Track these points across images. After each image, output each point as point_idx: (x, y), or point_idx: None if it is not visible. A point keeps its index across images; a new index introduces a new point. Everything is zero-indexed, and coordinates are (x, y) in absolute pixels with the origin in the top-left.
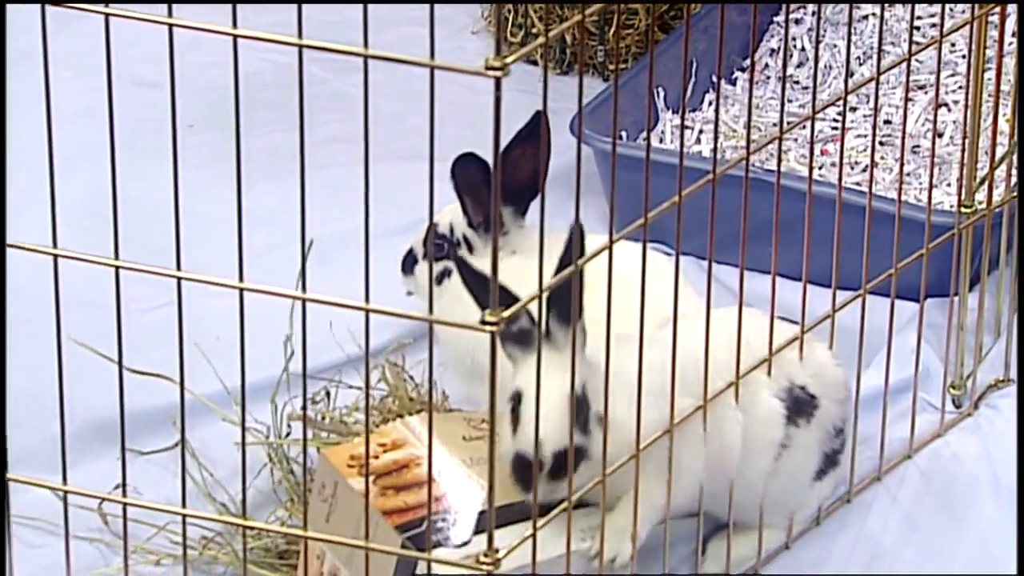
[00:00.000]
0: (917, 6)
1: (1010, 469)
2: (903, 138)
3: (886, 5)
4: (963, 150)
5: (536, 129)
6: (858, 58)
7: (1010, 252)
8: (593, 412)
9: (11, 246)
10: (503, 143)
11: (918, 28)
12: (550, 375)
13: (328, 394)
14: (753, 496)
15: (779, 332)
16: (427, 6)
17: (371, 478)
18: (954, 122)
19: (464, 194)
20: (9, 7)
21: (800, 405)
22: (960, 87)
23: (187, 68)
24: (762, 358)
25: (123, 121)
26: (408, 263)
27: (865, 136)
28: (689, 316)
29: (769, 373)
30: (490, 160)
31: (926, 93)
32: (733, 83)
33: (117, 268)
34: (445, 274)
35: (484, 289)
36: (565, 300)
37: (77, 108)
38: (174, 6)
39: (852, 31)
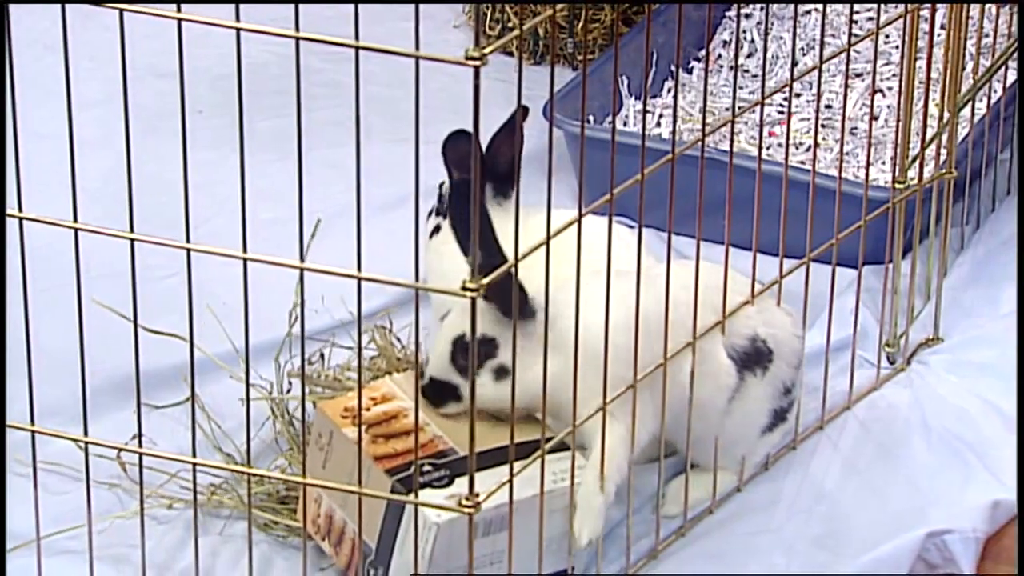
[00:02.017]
0: (855, 2)
1: (939, 417)
2: (843, 121)
3: (827, 1)
4: (897, 132)
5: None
6: (802, 49)
7: (939, 223)
8: (494, 362)
9: (35, 220)
10: (483, 128)
11: (856, 22)
12: (458, 319)
13: (323, 355)
14: (710, 434)
15: (735, 283)
16: (412, 3)
17: (363, 427)
18: (888, 107)
19: (453, 168)
20: (35, 5)
21: (758, 356)
22: (894, 75)
23: (198, 59)
24: (718, 309)
25: (139, 107)
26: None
27: (808, 119)
28: (648, 270)
29: (724, 331)
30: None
31: (863, 80)
32: (690, 72)
33: (132, 240)
34: (435, 230)
35: (467, 236)
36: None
37: (98, 95)
38: (184, 2)
39: (797, 24)
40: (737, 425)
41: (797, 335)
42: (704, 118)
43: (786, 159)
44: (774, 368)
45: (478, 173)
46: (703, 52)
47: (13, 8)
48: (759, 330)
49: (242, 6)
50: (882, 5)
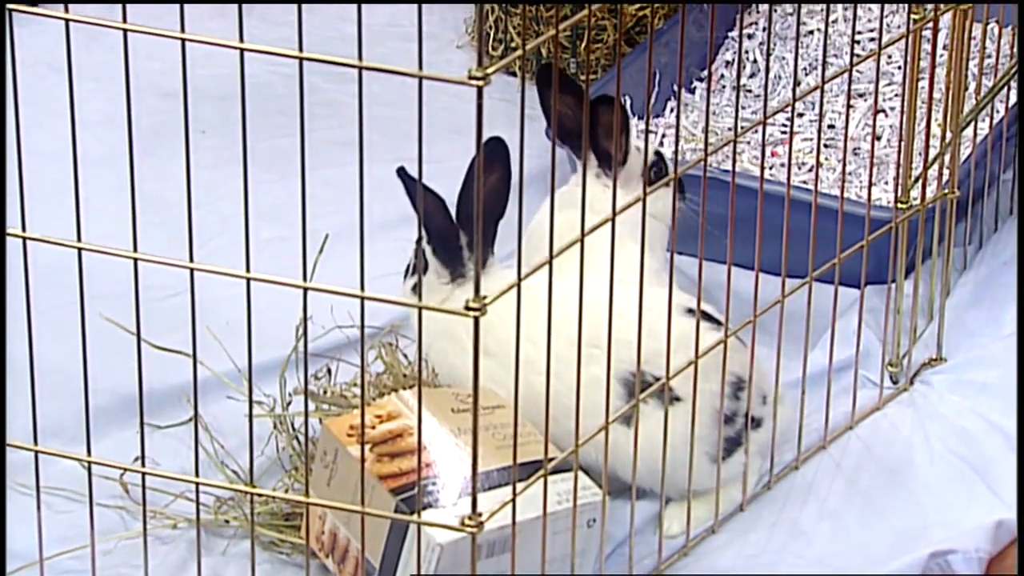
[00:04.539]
0: (857, 22)
1: (942, 437)
2: (845, 141)
3: (829, 22)
4: (899, 152)
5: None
6: (804, 69)
7: (942, 243)
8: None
9: (39, 240)
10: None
11: (858, 42)
12: None
13: (330, 371)
14: (622, 461)
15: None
16: (415, 24)
17: (368, 446)
18: (891, 126)
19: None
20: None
21: (645, 387)
22: (896, 95)
23: (201, 79)
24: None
25: (141, 127)
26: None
27: (811, 139)
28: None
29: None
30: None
31: (866, 100)
32: (692, 92)
33: (136, 260)
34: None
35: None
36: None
37: (99, 115)
38: (188, 22)
39: (799, 45)
40: (654, 451)
41: (734, 369)
42: (706, 138)
43: (788, 179)
44: (686, 398)
45: (481, 190)
46: (706, 72)
47: (17, 28)
48: (648, 367)
49: (244, 26)
50: (885, 23)
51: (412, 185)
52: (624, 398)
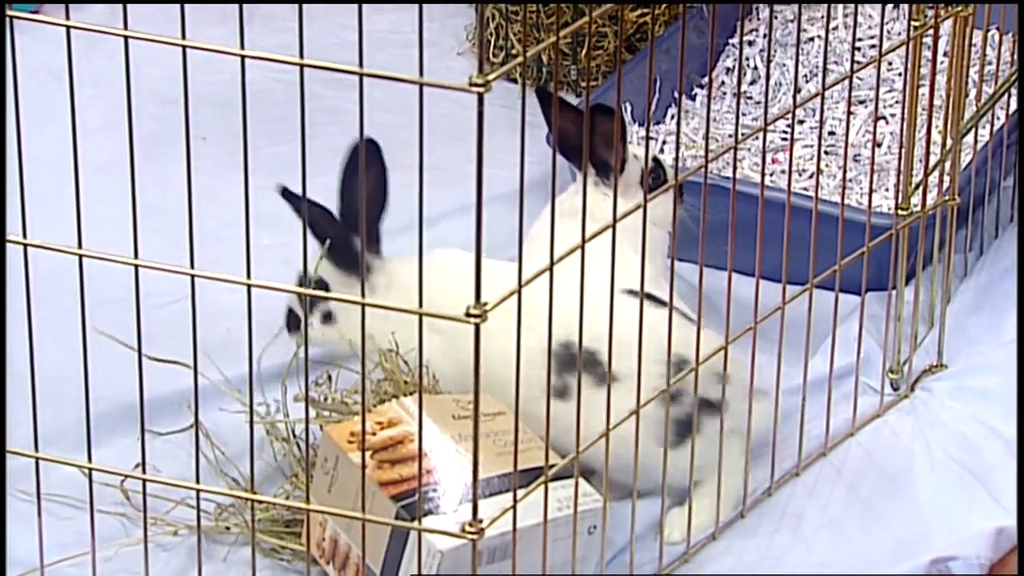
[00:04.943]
0: (858, 29)
1: (942, 444)
2: (846, 148)
3: (829, 28)
4: (900, 159)
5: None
6: (805, 76)
7: (942, 250)
8: (324, 306)
9: (39, 246)
10: (486, 153)
11: (859, 49)
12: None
13: (330, 377)
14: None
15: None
16: (416, 31)
17: (368, 453)
18: (891, 133)
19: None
20: (40, 31)
21: (573, 362)
22: (897, 102)
23: (201, 85)
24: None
25: (141, 133)
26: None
27: (811, 146)
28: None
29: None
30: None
31: (866, 107)
32: (693, 99)
33: (136, 267)
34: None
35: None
36: None
37: (99, 122)
38: (188, 29)
39: (800, 52)
40: (588, 429)
41: (678, 350)
42: (707, 145)
43: (788, 186)
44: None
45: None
46: (706, 79)
47: (18, 35)
48: (574, 337)
49: (244, 32)
50: (885, 30)
51: (296, 200)
52: (557, 372)
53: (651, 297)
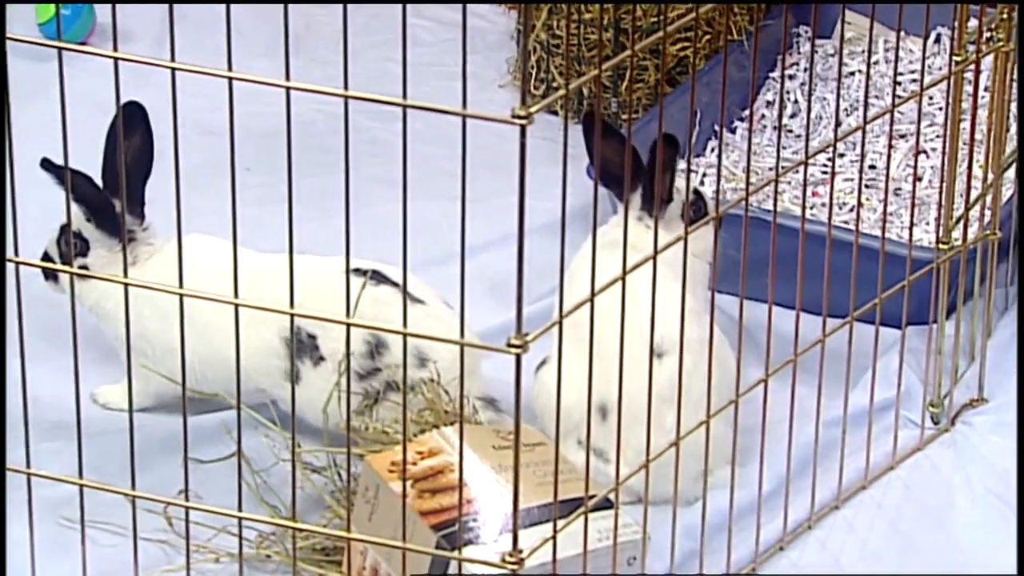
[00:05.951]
0: (899, 64)
1: (982, 478)
2: (886, 181)
3: (870, 63)
4: (941, 192)
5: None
6: (845, 110)
7: (983, 284)
8: (83, 260)
9: (92, 276)
10: (527, 185)
11: (900, 83)
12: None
13: (371, 407)
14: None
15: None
16: (459, 64)
17: (409, 482)
18: (932, 167)
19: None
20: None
21: (301, 346)
22: (938, 136)
23: (246, 117)
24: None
25: (188, 164)
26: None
27: (852, 180)
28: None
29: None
30: (516, 202)
31: (907, 141)
32: (733, 132)
33: (181, 296)
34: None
35: None
36: None
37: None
38: (235, 61)
39: (840, 85)
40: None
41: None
42: (748, 178)
43: (829, 219)
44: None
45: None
46: (747, 112)
47: (67, 67)
48: (304, 324)
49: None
50: (926, 65)
51: (57, 171)
52: (284, 355)
53: (382, 277)
